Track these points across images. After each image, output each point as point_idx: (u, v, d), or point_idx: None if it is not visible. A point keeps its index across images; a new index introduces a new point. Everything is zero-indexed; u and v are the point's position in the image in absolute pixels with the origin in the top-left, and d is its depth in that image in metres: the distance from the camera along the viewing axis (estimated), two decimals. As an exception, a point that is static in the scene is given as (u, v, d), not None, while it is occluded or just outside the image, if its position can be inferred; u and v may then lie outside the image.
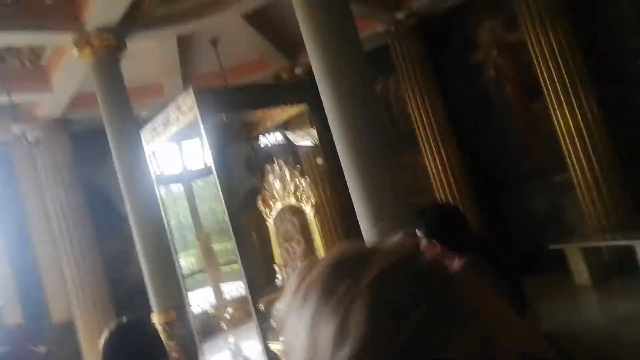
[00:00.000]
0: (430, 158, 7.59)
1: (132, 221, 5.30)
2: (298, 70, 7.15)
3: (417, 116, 7.67)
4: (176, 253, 4.75)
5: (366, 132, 3.07)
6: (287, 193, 4.49)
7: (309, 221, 4.38)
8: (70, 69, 5.83)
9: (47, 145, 7.00)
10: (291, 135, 4.76)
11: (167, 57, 6.55)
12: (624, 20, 5.74)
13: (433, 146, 7.48)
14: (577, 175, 6.07)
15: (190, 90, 3.61)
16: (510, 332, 0.45)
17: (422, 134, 7.62)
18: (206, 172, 6.39)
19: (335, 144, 3.22)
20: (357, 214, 3.17)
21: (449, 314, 0.39)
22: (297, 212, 4.48)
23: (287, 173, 4.45)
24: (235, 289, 6.84)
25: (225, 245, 7.10)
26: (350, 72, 3.12)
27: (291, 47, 6.90)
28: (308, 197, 4.31)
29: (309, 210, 4.36)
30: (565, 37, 6.00)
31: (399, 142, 8.26)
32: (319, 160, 4.32)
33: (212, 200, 7.21)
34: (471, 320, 0.40)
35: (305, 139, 4.43)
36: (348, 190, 3.64)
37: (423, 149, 7.66)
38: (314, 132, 4.32)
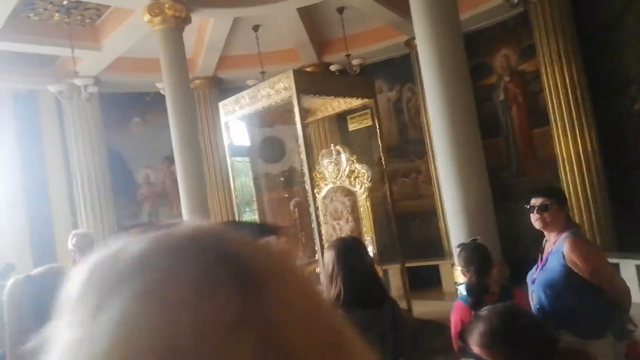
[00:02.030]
0: (434, 166, 8.23)
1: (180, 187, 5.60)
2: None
3: (427, 126, 8.31)
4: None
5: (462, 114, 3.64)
6: (340, 176, 4.97)
7: (359, 203, 4.89)
8: (129, 32, 6.08)
9: (79, 102, 7.13)
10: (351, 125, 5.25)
11: (292, 28, 7.12)
12: (628, 69, 6.59)
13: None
14: (570, 200, 6.86)
15: (290, 73, 4.05)
16: None
17: (429, 142, 8.26)
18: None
19: (432, 124, 3.77)
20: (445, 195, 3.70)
21: None
22: (349, 193, 4.97)
23: (343, 158, 4.93)
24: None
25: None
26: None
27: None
28: (362, 182, 4.82)
29: (360, 192, 4.86)
30: (576, 72, 6.79)
31: (406, 148, 8.93)
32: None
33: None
34: None
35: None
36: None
37: (429, 156, 8.31)
38: (375, 126, 4.84)
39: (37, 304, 1.50)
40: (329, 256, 2.35)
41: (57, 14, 5.81)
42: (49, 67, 7.07)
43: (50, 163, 7.41)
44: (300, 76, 4.13)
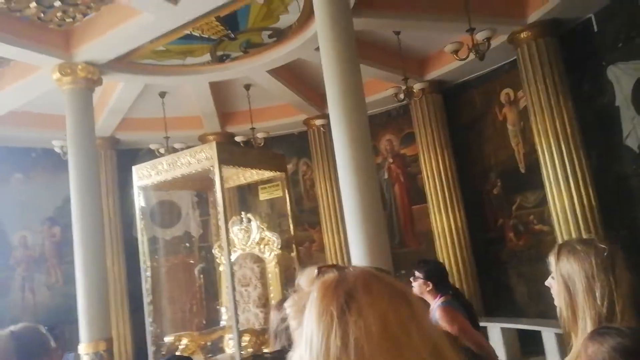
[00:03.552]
0: (329, 234, 8.78)
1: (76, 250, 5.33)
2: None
3: (322, 197, 8.93)
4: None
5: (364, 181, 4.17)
6: (250, 242, 5.18)
7: (268, 269, 5.11)
8: (29, 87, 5.89)
9: None
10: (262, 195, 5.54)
11: (200, 97, 7.35)
12: (488, 158, 7.93)
13: (334, 225, 8.71)
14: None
15: (214, 144, 4.31)
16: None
17: (325, 212, 8.84)
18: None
19: (342, 194, 4.23)
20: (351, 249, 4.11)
21: None
22: (258, 260, 5.17)
23: (254, 226, 5.18)
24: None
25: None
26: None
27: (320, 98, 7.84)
28: (272, 249, 5.08)
29: (269, 259, 5.10)
30: (448, 159, 7.96)
31: (300, 217, 9.40)
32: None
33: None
34: None
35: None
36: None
37: (324, 225, 8.85)
38: (286, 197, 5.22)
39: (22, 357, 1.54)
40: None
41: (-51, 62, 5.45)
42: None
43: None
44: (221, 148, 4.40)
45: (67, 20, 5.09)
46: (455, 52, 5.35)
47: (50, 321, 6.58)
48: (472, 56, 5.33)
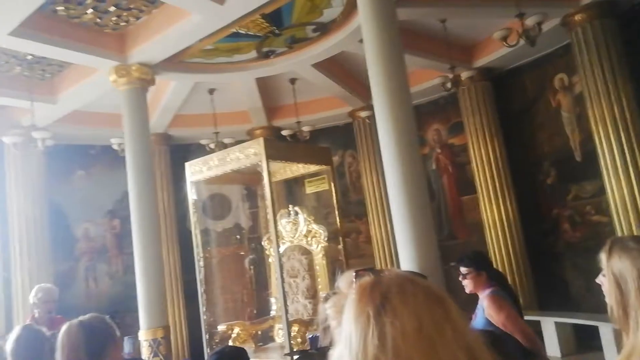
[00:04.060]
0: (376, 226, 8.78)
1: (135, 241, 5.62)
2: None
3: (367, 188, 8.92)
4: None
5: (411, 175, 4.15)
6: (298, 235, 5.28)
7: (315, 261, 5.20)
8: (89, 88, 6.23)
9: (23, 151, 6.97)
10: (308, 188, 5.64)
11: (248, 93, 7.49)
12: (541, 147, 7.65)
13: (380, 216, 8.70)
14: (495, 261, 7.59)
15: (261, 140, 4.43)
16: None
17: (372, 203, 8.83)
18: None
19: (388, 185, 4.23)
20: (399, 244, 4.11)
21: None
22: (305, 252, 5.27)
23: (301, 218, 5.27)
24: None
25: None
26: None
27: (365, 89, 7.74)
28: (319, 241, 5.16)
29: (317, 251, 5.18)
30: (498, 148, 7.74)
31: (347, 209, 9.43)
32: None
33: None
34: None
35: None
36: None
37: (370, 217, 8.85)
38: (332, 190, 5.28)
39: (91, 346, 1.68)
40: None
41: (18, 67, 5.84)
42: (-5, 115, 6.95)
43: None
44: (269, 143, 4.52)
45: (122, 24, 5.34)
46: (504, 38, 5.18)
47: (111, 309, 6.99)
48: (521, 41, 5.15)
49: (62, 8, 4.85)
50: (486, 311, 2.92)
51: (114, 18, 5.19)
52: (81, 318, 1.84)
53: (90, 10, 4.96)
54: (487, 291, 3.05)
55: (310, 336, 4.02)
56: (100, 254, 8.35)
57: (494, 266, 3.32)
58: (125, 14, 5.14)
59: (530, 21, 4.96)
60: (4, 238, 7.03)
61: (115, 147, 7.17)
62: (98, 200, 8.39)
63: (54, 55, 5.33)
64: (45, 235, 7.27)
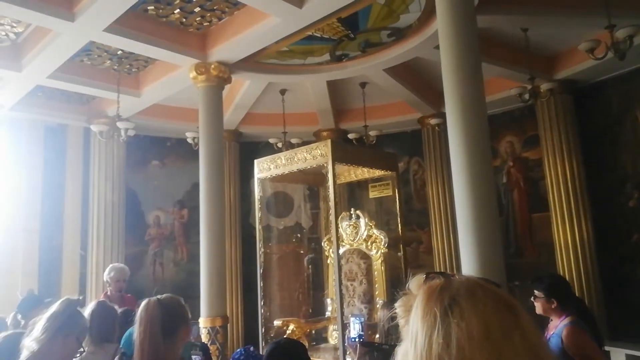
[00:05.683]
0: (438, 237, 8.59)
1: (202, 230, 5.86)
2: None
3: (432, 198, 8.74)
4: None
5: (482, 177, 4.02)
6: (358, 239, 5.28)
7: (374, 266, 5.17)
8: (170, 84, 6.57)
9: (107, 142, 7.47)
10: (372, 193, 5.63)
11: (317, 95, 7.64)
12: (624, 167, 7.15)
13: (444, 227, 8.50)
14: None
15: (329, 142, 4.49)
16: None
17: (435, 214, 8.65)
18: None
19: (455, 197, 4.12)
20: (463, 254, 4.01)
21: None
22: (364, 256, 5.26)
23: (362, 223, 5.27)
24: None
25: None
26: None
27: (437, 96, 7.92)
28: (379, 247, 5.13)
29: (376, 256, 5.15)
30: (577, 165, 7.32)
31: (409, 218, 9.29)
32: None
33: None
34: None
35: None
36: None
37: (433, 227, 8.67)
38: (395, 196, 5.23)
39: (166, 323, 1.80)
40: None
41: (108, 61, 6.28)
42: (83, 105, 7.50)
43: (69, 195, 7.63)
44: (335, 146, 4.56)
45: (205, 24, 5.59)
46: (591, 50, 4.90)
47: (175, 294, 7.31)
48: (610, 54, 4.85)
49: (152, 7, 5.15)
50: (565, 342, 2.81)
51: (198, 18, 5.45)
52: (159, 296, 1.98)
53: (177, 10, 5.24)
54: (566, 320, 2.92)
55: (351, 338, 4.00)
56: (168, 241, 8.77)
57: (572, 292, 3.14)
58: (209, 14, 5.38)
59: (620, 34, 4.66)
60: (84, 219, 7.57)
61: (189, 140, 7.52)
62: (169, 190, 8.83)
63: (141, 51, 5.68)
64: (121, 219, 7.76)
